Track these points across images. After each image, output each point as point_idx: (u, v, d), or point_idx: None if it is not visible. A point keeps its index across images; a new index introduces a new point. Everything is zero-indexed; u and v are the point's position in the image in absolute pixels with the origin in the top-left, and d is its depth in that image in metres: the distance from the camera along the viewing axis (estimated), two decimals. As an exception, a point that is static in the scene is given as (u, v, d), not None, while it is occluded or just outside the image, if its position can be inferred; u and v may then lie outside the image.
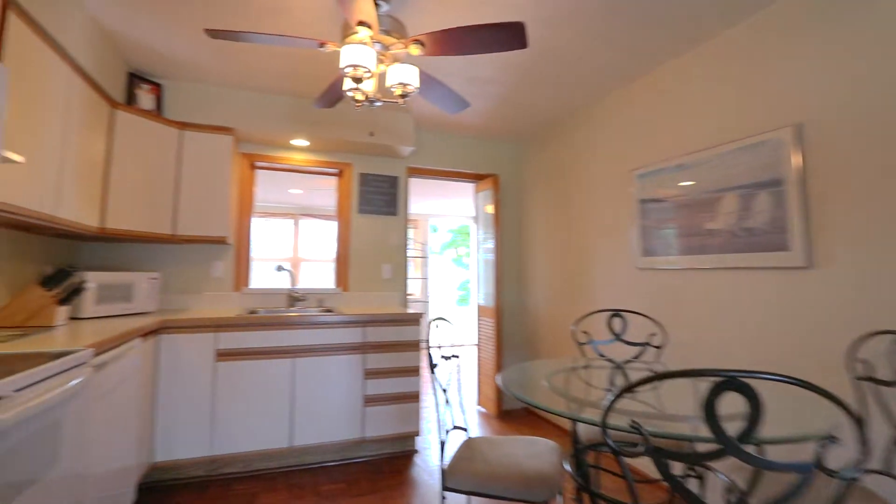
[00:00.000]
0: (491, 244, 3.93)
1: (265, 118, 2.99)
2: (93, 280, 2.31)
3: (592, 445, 1.84)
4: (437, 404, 1.75)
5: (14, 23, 1.54)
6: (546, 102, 3.15)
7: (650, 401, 1.54)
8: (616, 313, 2.42)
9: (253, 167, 3.31)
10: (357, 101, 1.92)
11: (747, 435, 0.85)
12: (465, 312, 7.72)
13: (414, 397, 2.90)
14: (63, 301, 2.06)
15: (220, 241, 2.84)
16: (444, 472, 1.61)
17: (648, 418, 1.31)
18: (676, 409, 1.46)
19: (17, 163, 1.41)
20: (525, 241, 4.02)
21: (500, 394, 3.68)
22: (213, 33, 1.67)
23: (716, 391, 0.85)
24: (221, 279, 3.10)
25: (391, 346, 2.86)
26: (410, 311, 3.01)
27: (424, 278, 7.33)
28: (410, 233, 7.50)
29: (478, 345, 4.08)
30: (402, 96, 1.89)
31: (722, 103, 2.25)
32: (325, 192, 5.60)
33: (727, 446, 0.85)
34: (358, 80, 1.74)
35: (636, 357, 2.32)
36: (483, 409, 3.86)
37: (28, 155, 1.67)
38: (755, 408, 0.84)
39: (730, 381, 0.84)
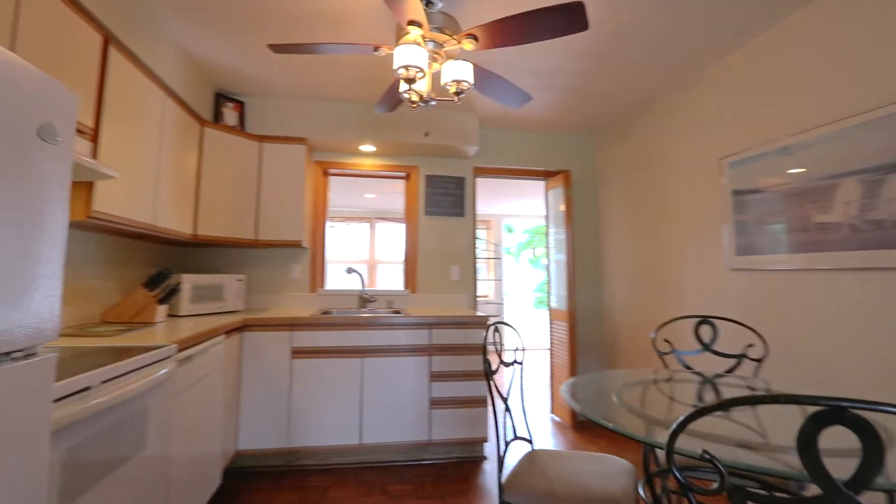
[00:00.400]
0: (562, 244, 3.73)
1: (334, 126, 3.12)
2: (187, 282, 2.57)
3: (669, 470, 1.63)
4: (494, 412, 1.67)
5: (114, 55, 1.75)
6: (621, 90, 2.90)
7: (750, 423, 1.31)
8: (704, 320, 2.14)
9: (326, 174, 3.48)
10: (413, 102, 1.90)
11: (861, 481, 0.66)
12: (544, 315, 7.46)
13: (481, 402, 2.83)
14: (162, 300, 2.31)
15: (296, 245, 3.02)
16: (501, 486, 1.53)
17: (742, 447, 1.11)
18: (782, 435, 1.23)
19: (115, 178, 1.59)
20: (601, 241, 3.76)
21: (574, 402, 3.47)
22: (276, 48, 1.75)
23: (816, 424, 0.68)
24: (299, 281, 3.30)
25: (457, 349, 2.82)
26: (480, 313, 2.94)
27: (498, 280, 7.21)
28: (482, 233, 7.44)
29: (550, 350, 3.90)
30: (457, 93, 1.84)
31: (839, 71, 1.88)
32: (397, 195, 5.76)
33: (832, 493, 0.67)
34: (410, 80, 1.72)
35: (730, 371, 2.03)
36: (557, 419, 3.67)
37: (129, 171, 1.90)
38: (873, 449, 0.65)
39: (835, 413, 0.67)
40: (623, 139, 3.45)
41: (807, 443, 0.69)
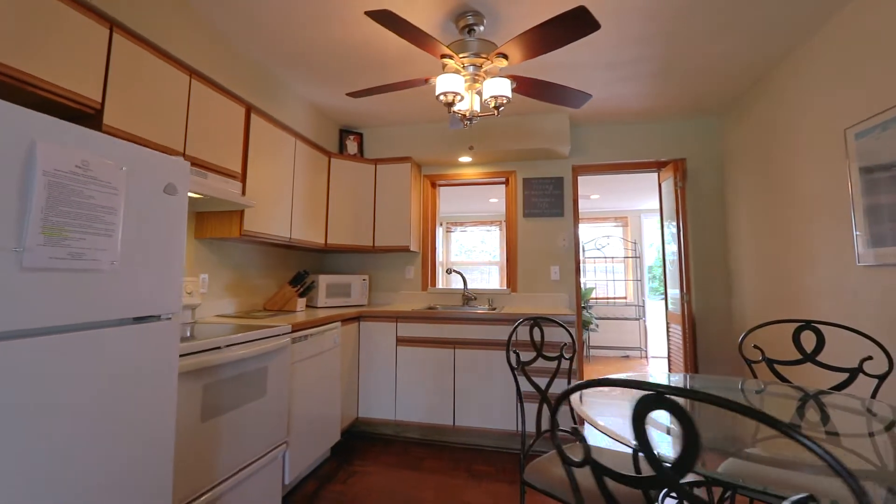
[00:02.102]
0: (675, 240, 3.40)
1: (432, 143, 3.53)
2: (323, 281, 3.30)
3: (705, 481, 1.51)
4: (520, 404, 1.79)
5: (254, 119, 2.48)
6: (723, 63, 2.58)
7: (866, 453, 1.06)
8: (807, 325, 1.83)
9: (434, 186, 3.93)
10: (463, 120, 2.15)
11: (682, 464, 0.69)
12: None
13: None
14: (301, 294, 3.04)
15: (405, 250, 3.52)
16: (522, 466, 1.66)
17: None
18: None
19: (253, 206, 2.27)
20: (728, 235, 3.31)
21: (691, 415, 3.14)
22: (352, 94, 2.22)
23: (643, 407, 0.73)
24: (413, 280, 3.81)
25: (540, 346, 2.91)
26: (569, 314, 2.96)
27: (637, 280, 6.69)
28: (619, 231, 6.99)
29: (668, 357, 3.58)
30: (497, 108, 2.02)
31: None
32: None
33: (659, 472, 0.71)
34: (450, 104, 1.98)
35: (839, 387, 1.70)
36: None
37: (269, 199, 2.62)
38: (689, 433, 0.68)
39: (656, 398, 0.71)
40: (745, 118, 3.00)
41: (636, 422, 0.74)
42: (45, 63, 1.43)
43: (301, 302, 3.03)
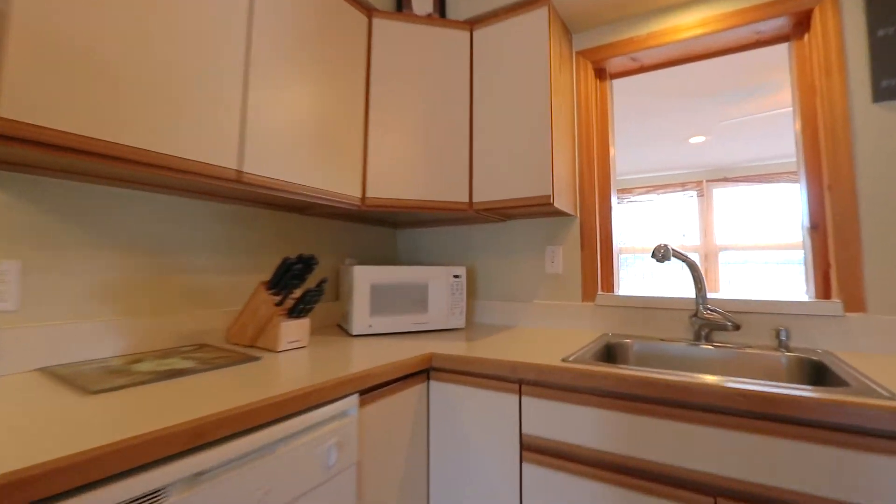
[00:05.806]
0: None
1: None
2: (361, 278, 1.54)
3: None
4: None
5: None
6: None
7: None
8: None
9: (602, 76, 1.82)
10: None
11: None
12: None
13: None
14: (295, 311, 1.31)
15: (542, 205, 1.52)
16: None
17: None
18: None
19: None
20: None
21: None
22: None
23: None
24: (560, 277, 1.79)
25: None
26: None
27: None
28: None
29: None
30: None
31: None
32: (757, 124, 3.32)
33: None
34: None
35: None
36: None
37: (165, 69, 0.94)
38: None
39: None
40: None
41: None
42: None
43: (294, 328, 1.31)
